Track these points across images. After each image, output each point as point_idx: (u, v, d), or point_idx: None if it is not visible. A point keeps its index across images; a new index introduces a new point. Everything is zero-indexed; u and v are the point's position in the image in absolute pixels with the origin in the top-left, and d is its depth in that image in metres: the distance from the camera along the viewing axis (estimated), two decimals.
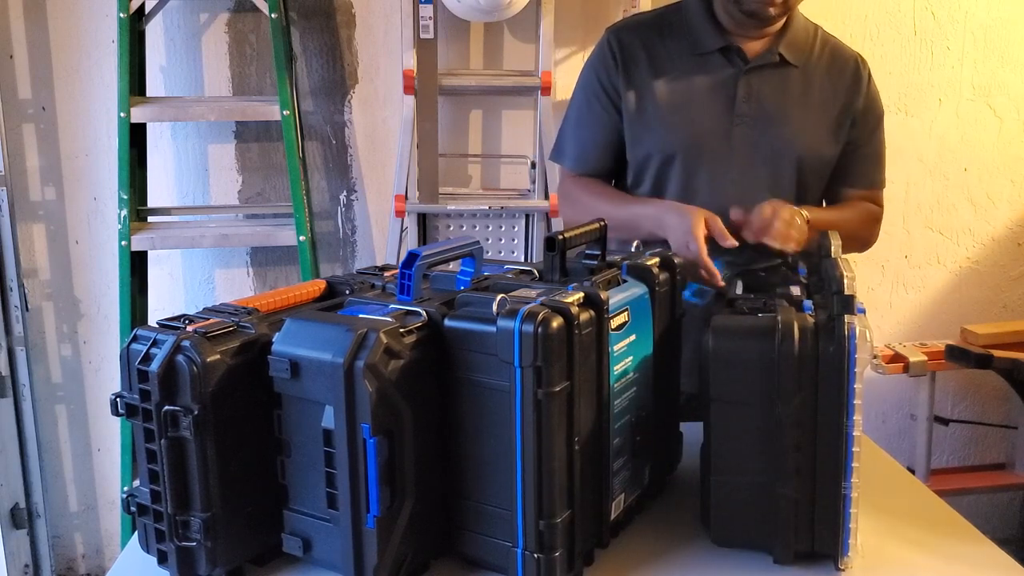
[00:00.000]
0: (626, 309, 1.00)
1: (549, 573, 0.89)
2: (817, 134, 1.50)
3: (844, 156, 1.55)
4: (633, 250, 1.17)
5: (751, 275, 1.29)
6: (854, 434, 0.92)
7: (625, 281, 1.05)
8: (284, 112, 2.17)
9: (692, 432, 1.12)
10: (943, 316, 2.74)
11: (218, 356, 0.89)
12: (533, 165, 2.35)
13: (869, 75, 1.55)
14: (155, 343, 0.89)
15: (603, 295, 0.94)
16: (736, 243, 1.30)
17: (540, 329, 0.84)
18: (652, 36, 1.51)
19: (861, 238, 1.57)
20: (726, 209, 1.45)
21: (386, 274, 1.13)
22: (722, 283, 1.26)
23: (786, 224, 1.32)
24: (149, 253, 2.34)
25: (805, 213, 1.36)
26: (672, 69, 1.49)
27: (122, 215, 2.17)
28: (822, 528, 0.96)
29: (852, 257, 1.36)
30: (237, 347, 0.91)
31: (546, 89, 2.23)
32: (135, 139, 2.19)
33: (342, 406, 0.85)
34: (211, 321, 0.94)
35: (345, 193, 2.49)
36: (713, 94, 1.48)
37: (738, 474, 0.97)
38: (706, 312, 1.08)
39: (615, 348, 0.97)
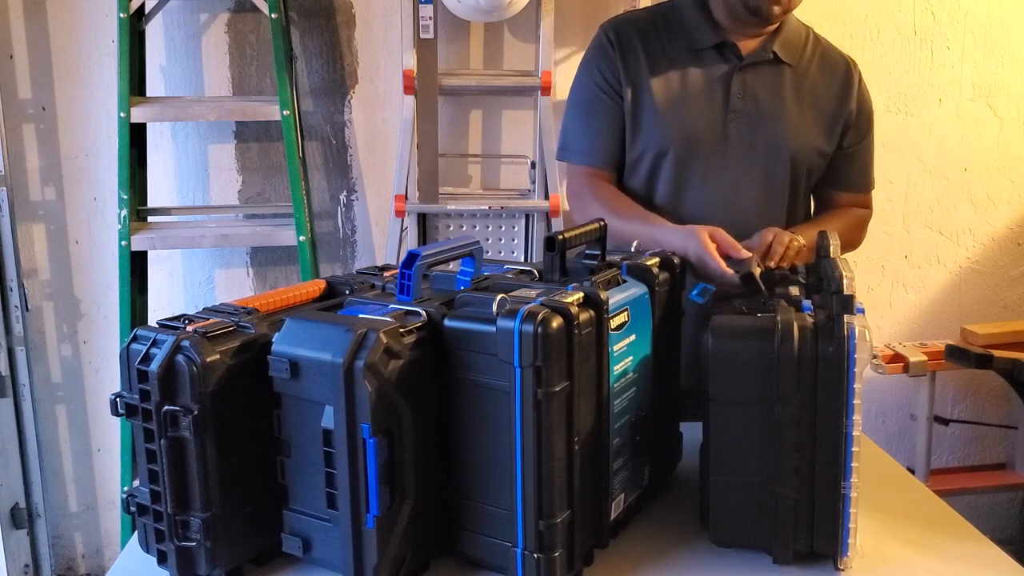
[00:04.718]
0: (626, 309, 1.00)
1: (549, 573, 0.89)
2: (810, 132, 1.51)
3: (837, 159, 1.56)
4: (633, 250, 1.17)
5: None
6: (854, 434, 0.92)
7: (625, 281, 1.05)
8: (284, 112, 2.17)
9: (692, 432, 1.12)
10: (943, 316, 2.74)
11: (218, 356, 0.89)
12: (533, 165, 2.35)
13: (860, 78, 1.55)
14: (155, 343, 0.89)
15: (603, 295, 0.94)
16: (749, 254, 1.27)
17: (540, 329, 0.84)
18: (648, 32, 1.52)
19: (850, 244, 1.58)
20: (717, 205, 1.47)
21: (386, 274, 1.13)
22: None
23: (783, 246, 1.31)
24: (149, 253, 2.34)
25: (801, 239, 1.34)
26: (668, 65, 1.49)
27: (122, 215, 2.17)
28: (821, 528, 0.96)
29: (851, 257, 1.36)
30: (237, 347, 0.91)
31: (546, 89, 2.22)
32: (135, 139, 2.18)
33: (342, 406, 0.85)
34: (211, 321, 0.94)
35: (345, 193, 2.49)
36: (708, 90, 1.48)
37: (738, 474, 0.97)
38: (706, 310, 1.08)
39: (615, 348, 0.98)
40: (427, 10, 2.17)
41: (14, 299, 2.36)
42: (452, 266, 1.03)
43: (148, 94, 2.30)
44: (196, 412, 0.87)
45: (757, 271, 1.18)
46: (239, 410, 0.92)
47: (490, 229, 2.34)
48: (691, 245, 1.28)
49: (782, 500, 0.96)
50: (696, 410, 1.03)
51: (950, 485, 2.62)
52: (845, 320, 0.91)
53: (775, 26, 1.49)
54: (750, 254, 1.27)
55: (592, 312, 0.92)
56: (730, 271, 1.23)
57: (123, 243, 2.17)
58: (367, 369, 0.83)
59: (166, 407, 0.88)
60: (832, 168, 1.57)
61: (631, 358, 1.02)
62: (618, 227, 1.40)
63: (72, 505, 2.60)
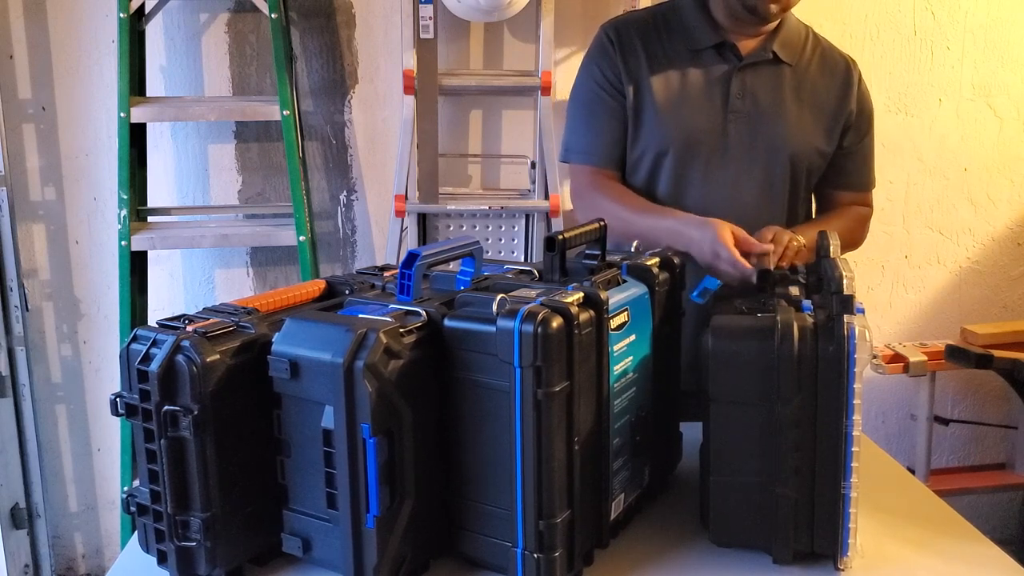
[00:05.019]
0: (626, 309, 1.00)
1: (549, 573, 0.89)
2: (810, 132, 1.51)
3: (837, 159, 1.56)
4: (633, 250, 1.17)
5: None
6: (854, 434, 0.92)
7: (625, 281, 1.05)
8: (284, 112, 2.17)
9: (692, 432, 1.12)
10: (943, 316, 2.74)
11: (218, 356, 0.89)
12: (533, 165, 2.35)
13: (860, 77, 1.56)
14: (155, 343, 0.89)
15: (603, 295, 0.94)
16: (770, 247, 1.28)
17: (540, 329, 0.84)
18: (648, 32, 1.52)
19: (852, 243, 1.59)
20: (717, 205, 1.46)
21: (386, 274, 1.13)
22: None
23: (783, 246, 1.32)
24: (149, 253, 2.34)
25: (801, 239, 1.35)
26: (667, 65, 1.50)
27: (122, 215, 2.17)
28: (821, 528, 0.96)
29: (852, 257, 1.36)
30: (237, 347, 0.91)
31: (546, 89, 2.23)
32: (135, 139, 2.18)
33: (342, 406, 0.85)
34: (211, 321, 0.94)
35: (345, 193, 2.49)
36: (707, 91, 1.49)
37: (738, 474, 0.97)
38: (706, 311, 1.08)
39: (615, 348, 0.98)
40: (427, 10, 2.17)
41: (14, 299, 2.36)
42: (452, 266, 1.03)
43: (148, 94, 2.30)
44: (196, 412, 0.87)
45: (772, 267, 1.19)
46: (239, 410, 0.92)
47: (490, 229, 2.34)
48: (708, 235, 1.30)
49: (782, 500, 0.96)
50: (696, 410, 1.03)
51: (950, 485, 2.62)
52: (845, 320, 0.91)
53: (774, 25, 1.49)
54: (770, 247, 1.28)
55: (592, 312, 0.92)
56: (743, 262, 1.25)
57: (123, 243, 2.17)
58: (367, 369, 0.83)
59: (166, 407, 0.88)
60: (833, 168, 1.57)
61: (631, 358, 1.02)
62: (631, 220, 1.41)
63: (72, 505, 2.60)
